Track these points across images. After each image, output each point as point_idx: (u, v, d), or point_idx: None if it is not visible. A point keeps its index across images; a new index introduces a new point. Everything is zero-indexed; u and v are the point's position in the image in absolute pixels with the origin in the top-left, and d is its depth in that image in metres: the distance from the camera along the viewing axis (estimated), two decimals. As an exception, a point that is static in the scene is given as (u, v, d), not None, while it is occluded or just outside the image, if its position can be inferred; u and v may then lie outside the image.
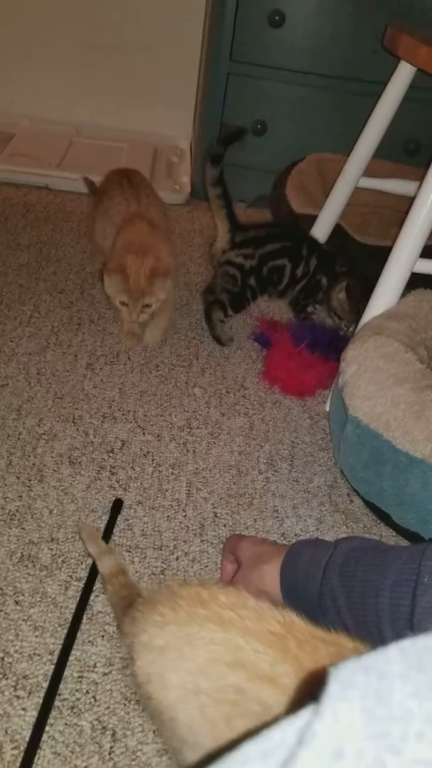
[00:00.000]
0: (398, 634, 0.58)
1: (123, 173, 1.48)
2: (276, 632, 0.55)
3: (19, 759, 0.67)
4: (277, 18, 1.68)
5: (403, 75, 1.29)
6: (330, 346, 1.32)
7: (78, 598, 0.83)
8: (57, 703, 0.72)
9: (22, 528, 0.91)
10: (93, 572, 0.85)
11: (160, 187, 1.93)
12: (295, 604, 0.72)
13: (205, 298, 1.40)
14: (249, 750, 0.27)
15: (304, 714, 0.27)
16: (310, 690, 0.54)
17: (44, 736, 0.69)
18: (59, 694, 0.73)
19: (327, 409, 1.22)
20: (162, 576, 0.88)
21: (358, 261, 1.47)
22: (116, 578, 0.80)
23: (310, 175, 1.75)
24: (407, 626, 0.59)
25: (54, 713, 0.71)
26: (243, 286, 1.36)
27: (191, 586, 0.61)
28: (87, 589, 0.84)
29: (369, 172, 1.49)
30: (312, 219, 1.55)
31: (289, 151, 1.82)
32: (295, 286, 1.41)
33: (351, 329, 1.34)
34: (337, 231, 1.54)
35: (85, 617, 0.81)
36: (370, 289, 1.29)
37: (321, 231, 1.52)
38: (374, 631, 0.62)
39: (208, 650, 0.56)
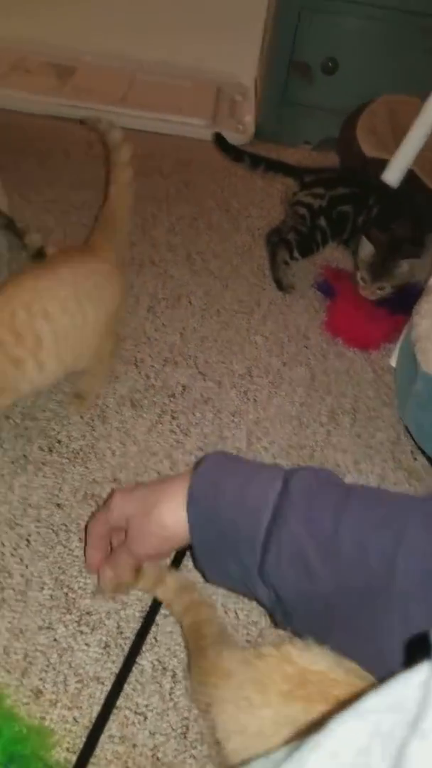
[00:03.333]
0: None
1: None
2: None
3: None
4: None
5: None
6: (397, 299, 1.27)
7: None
8: (119, 641, 0.73)
9: (86, 467, 0.91)
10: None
11: (223, 126, 1.88)
12: (209, 546, 0.62)
13: (270, 239, 1.36)
14: (373, 703, 0.27)
15: (423, 669, 0.26)
16: None
17: (106, 673, 0.70)
18: (121, 633, 0.74)
19: (392, 363, 1.18)
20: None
21: (429, 209, 1.40)
22: (179, 599, 0.71)
23: (381, 117, 1.66)
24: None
25: (116, 651, 0.72)
26: (312, 227, 1.31)
27: (270, 657, 0.54)
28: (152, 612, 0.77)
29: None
30: (383, 163, 1.48)
31: (359, 92, 1.73)
32: (358, 234, 1.36)
33: (365, 286, 1.23)
34: (409, 177, 1.47)
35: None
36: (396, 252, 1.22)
37: (393, 176, 1.44)
38: (384, 595, 0.51)
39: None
